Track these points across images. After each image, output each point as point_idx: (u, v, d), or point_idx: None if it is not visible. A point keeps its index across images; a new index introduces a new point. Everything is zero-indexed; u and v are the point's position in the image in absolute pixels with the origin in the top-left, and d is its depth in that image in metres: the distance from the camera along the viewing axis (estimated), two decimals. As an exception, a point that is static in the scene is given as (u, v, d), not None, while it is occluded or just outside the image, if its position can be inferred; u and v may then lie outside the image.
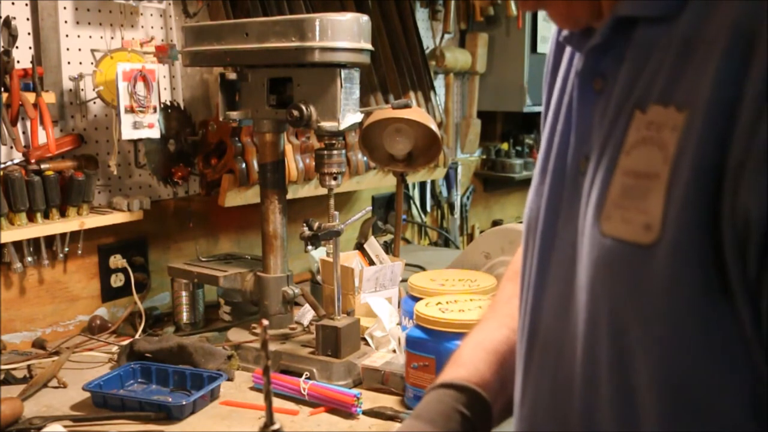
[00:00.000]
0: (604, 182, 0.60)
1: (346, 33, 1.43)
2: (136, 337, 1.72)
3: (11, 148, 1.65)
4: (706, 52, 0.53)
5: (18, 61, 1.61)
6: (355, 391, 1.37)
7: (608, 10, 0.62)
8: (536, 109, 3.04)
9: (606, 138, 0.61)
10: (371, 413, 1.35)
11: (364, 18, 1.48)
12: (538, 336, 0.72)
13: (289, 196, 1.66)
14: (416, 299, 1.52)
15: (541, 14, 2.70)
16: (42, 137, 1.66)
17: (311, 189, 2.13)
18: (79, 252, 1.78)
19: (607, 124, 0.62)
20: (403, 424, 0.81)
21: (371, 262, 1.83)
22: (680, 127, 0.53)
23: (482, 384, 0.82)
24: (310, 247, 1.53)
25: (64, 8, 1.75)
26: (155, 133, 1.78)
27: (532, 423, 0.73)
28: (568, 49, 0.74)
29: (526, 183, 3.23)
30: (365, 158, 2.22)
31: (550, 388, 0.69)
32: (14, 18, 1.61)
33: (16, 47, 1.62)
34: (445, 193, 3.05)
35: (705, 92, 0.52)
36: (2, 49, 1.58)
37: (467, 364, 0.85)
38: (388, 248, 2.28)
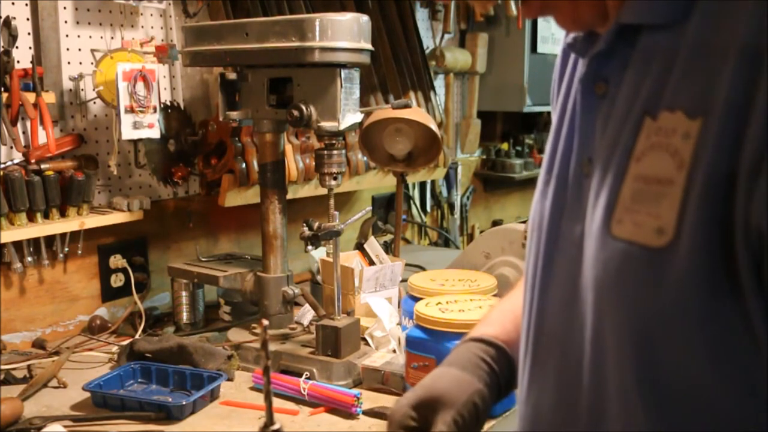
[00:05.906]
0: (614, 187, 0.61)
1: (346, 33, 1.43)
2: (136, 337, 1.72)
3: (11, 148, 1.65)
4: (717, 62, 0.54)
5: (18, 61, 1.61)
6: (355, 391, 1.37)
7: (614, 13, 0.63)
8: (536, 109, 3.04)
9: (613, 142, 0.62)
10: (371, 413, 1.35)
11: (364, 18, 1.48)
12: (542, 335, 0.72)
13: (289, 196, 1.66)
14: (416, 299, 1.52)
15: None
16: (42, 137, 1.66)
17: (311, 189, 2.13)
18: (79, 252, 1.78)
19: (612, 129, 0.62)
20: (435, 371, 0.84)
21: (371, 262, 1.83)
22: (695, 135, 0.54)
23: (509, 343, 0.85)
24: (310, 247, 1.53)
25: (64, 8, 1.75)
26: (155, 133, 1.78)
27: (535, 422, 0.73)
28: (572, 55, 0.74)
29: (526, 183, 3.23)
30: (365, 158, 2.22)
31: (555, 386, 0.70)
32: (14, 18, 1.61)
33: (16, 47, 1.62)
34: (445, 193, 3.05)
35: (719, 101, 0.53)
36: (2, 49, 1.58)
37: (495, 324, 0.88)
38: (388, 248, 2.28)
